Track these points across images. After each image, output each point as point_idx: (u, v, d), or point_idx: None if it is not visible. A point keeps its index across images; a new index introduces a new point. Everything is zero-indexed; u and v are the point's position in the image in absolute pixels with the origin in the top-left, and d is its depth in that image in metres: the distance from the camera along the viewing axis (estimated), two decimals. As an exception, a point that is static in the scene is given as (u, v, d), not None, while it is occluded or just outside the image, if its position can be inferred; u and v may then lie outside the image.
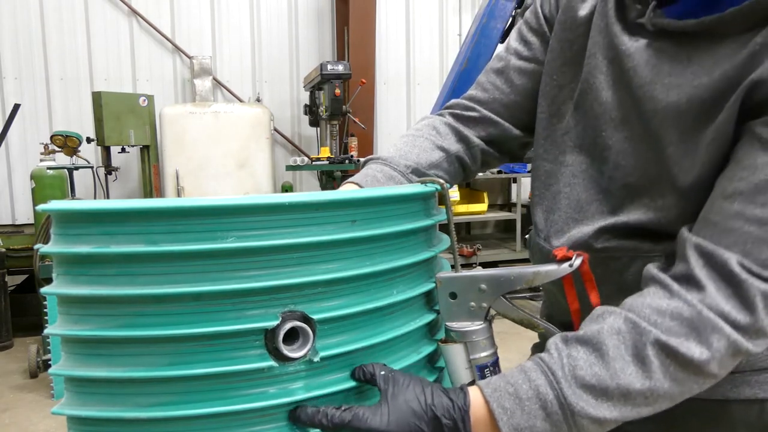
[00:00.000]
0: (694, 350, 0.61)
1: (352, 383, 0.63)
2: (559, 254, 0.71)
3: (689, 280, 0.65)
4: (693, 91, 0.70)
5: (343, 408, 0.61)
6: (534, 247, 0.95)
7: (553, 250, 0.73)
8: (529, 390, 0.61)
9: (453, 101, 1.02)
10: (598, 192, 0.83)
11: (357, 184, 0.87)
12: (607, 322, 0.65)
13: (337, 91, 4.66)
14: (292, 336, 0.60)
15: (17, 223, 5.36)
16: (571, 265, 0.70)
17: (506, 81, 0.96)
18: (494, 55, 1.00)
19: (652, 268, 0.70)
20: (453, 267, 0.75)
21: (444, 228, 0.80)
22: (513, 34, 0.99)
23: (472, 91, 1.00)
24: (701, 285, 0.64)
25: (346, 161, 4.72)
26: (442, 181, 0.76)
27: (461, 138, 0.97)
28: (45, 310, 3.35)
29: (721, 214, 0.66)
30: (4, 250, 4.59)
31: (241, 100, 5.64)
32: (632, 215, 0.78)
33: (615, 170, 0.80)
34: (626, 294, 0.69)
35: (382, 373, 0.63)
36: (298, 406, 0.62)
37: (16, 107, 4.86)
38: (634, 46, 0.76)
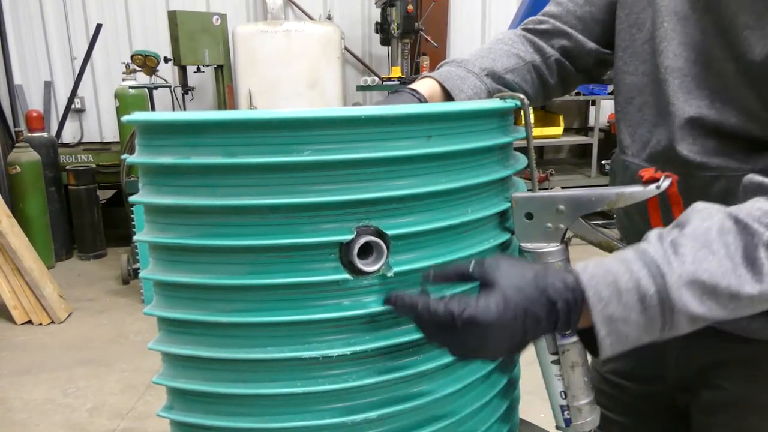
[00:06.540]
0: None
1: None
2: (646, 175, 0.67)
3: None
4: None
5: (447, 299, 0.57)
6: (619, 167, 0.91)
7: (640, 170, 0.69)
8: (629, 281, 0.57)
9: (527, 19, 1.01)
10: (657, 85, 0.80)
11: (434, 78, 0.88)
12: (714, 220, 0.59)
13: (410, 7, 4.50)
14: (366, 250, 0.60)
15: (105, 140, 5.67)
16: (658, 187, 0.66)
17: None
18: None
19: (755, 177, 0.64)
20: (529, 189, 0.72)
21: (519, 148, 0.77)
22: None
23: (547, 8, 0.99)
24: None
25: (417, 81, 4.61)
26: (522, 95, 0.73)
27: (537, 48, 0.96)
28: (133, 222, 3.59)
29: None
30: (94, 166, 4.90)
31: (311, 18, 5.55)
32: (706, 111, 0.74)
33: (675, 60, 0.76)
34: None
35: (473, 264, 0.60)
36: (391, 293, 0.60)
37: (99, 27, 5.02)
38: None
